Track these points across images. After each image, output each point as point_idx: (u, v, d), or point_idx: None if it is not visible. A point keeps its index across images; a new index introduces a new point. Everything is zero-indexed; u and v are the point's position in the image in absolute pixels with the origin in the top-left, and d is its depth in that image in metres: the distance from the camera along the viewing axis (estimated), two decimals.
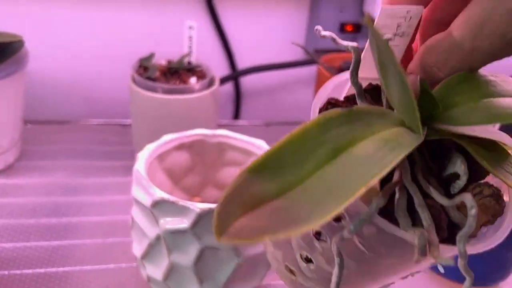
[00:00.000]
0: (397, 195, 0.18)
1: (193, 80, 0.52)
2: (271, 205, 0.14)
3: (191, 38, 0.54)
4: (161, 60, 0.56)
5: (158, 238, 0.34)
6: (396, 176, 0.18)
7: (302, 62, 0.72)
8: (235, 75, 0.71)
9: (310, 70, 0.74)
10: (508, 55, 0.18)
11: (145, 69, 0.53)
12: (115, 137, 0.64)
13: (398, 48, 0.22)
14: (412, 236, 0.16)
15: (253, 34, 0.71)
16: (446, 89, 0.19)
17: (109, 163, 0.57)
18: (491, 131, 0.19)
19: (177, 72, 0.53)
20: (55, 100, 0.69)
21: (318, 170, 0.15)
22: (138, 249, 0.37)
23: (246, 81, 0.73)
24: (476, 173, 0.19)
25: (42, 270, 0.42)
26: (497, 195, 0.19)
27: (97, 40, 0.66)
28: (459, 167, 0.19)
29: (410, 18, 0.21)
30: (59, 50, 0.65)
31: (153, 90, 0.50)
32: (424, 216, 0.17)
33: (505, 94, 0.19)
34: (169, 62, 0.56)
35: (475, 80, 0.19)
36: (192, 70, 0.54)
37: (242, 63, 0.72)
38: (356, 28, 0.72)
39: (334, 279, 0.19)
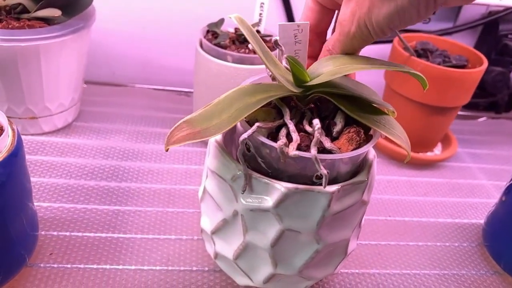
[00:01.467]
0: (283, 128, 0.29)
1: None
2: (197, 131, 0.26)
3: (262, 6, 0.51)
4: (228, 27, 0.53)
5: (235, 214, 0.32)
6: (285, 118, 0.29)
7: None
8: None
9: (382, 48, 0.70)
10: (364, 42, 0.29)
11: (214, 34, 0.51)
12: (172, 104, 0.62)
13: (300, 52, 0.32)
14: (279, 145, 0.27)
15: None
16: (318, 63, 0.31)
17: (166, 130, 0.55)
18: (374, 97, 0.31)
19: (247, 41, 0.50)
20: (113, 62, 0.67)
21: (228, 118, 0.27)
22: (208, 223, 0.35)
23: None
24: (356, 123, 0.31)
25: (103, 235, 0.41)
26: (358, 132, 0.30)
27: (165, 6, 0.63)
28: (337, 118, 0.31)
29: (302, 30, 0.31)
30: (123, 11, 0.63)
31: (223, 58, 0.47)
32: (294, 136, 0.27)
33: (353, 63, 0.29)
34: (236, 30, 0.53)
35: (337, 59, 0.30)
36: (261, 39, 0.51)
37: None
38: None
39: (242, 186, 0.30)
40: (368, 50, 0.76)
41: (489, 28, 0.70)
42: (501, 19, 0.67)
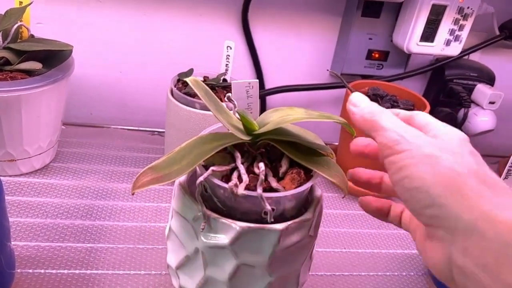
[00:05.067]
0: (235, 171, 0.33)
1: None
2: (160, 176, 0.31)
3: (228, 57, 0.56)
4: (197, 76, 0.58)
5: (196, 251, 0.36)
6: (236, 162, 0.33)
7: (329, 85, 0.74)
8: (262, 94, 0.73)
9: (336, 93, 0.77)
10: None
11: (184, 83, 0.56)
12: (146, 144, 0.66)
13: (252, 104, 0.37)
14: (230, 186, 0.31)
15: (283, 56, 0.73)
16: (264, 115, 0.36)
17: (139, 169, 0.59)
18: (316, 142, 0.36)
19: (213, 89, 0.55)
20: (90, 103, 0.71)
21: (187, 163, 0.31)
22: (173, 259, 0.39)
23: (272, 100, 0.75)
24: (298, 165, 0.35)
25: (77, 271, 0.43)
26: (299, 172, 0.35)
27: (140, 52, 0.68)
28: (283, 161, 0.35)
29: (252, 87, 0.36)
30: (102, 57, 0.68)
31: (191, 105, 0.52)
32: (244, 177, 0.32)
33: (291, 115, 0.34)
34: (205, 78, 0.58)
35: (281, 111, 0.36)
36: (227, 87, 0.56)
37: (270, 82, 0.74)
38: (383, 56, 0.74)
39: (201, 225, 0.34)
40: (326, 93, 0.83)
41: (436, 74, 0.77)
42: (446, 65, 0.75)
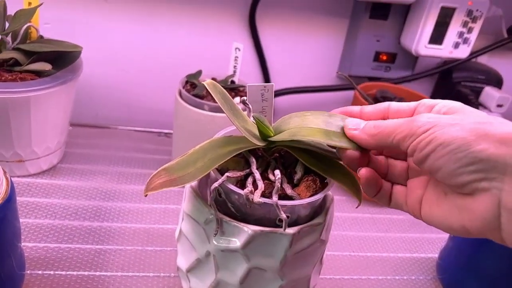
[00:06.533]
0: (250, 177, 0.33)
1: (236, 99, 0.54)
2: (174, 178, 0.30)
3: (236, 59, 0.56)
4: (205, 77, 0.58)
5: (207, 254, 0.35)
6: (251, 168, 0.33)
7: (337, 87, 0.74)
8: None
9: (344, 95, 0.76)
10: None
11: (192, 85, 0.55)
12: (153, 146, 0.66)
13: (267, 108, 0.36)
14: (245, 193, 0.31)
15: (290, 58, 0.73)
16: (282, 121, 0.35)
17: (147, 171, 0.59)
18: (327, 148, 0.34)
19: None
20: (97, 103, 0.71)
21: (202, 167, 0.31)
22: (183, 261, 0.39)
23: (279, 102, 0.75)
24: (314, 171, 0.34)
25: (86, 273, 0.43)
26: (314, 180, 0.34)
27: (147, 53, 0.68)
28: (298, 168, 0.35)
29: (268, 90, 0.35)
30: (109, 58, 0.68)
31: (200, 107, 0.52)
32: (259, 184, 0.31)
33: (308, 124, 0.33)
34: (213, 80, 0.58)
35: (298, 117, 0.34)
36: (235, 89, 0.56)
37: (277, 84, 0.74)
38: (391, 58, 0.73)
39: (214, 229, 0.34)
40: (333, 95, 0.82)
41: (444, 76, 0.77)
42: (454, 68, 0.74)
